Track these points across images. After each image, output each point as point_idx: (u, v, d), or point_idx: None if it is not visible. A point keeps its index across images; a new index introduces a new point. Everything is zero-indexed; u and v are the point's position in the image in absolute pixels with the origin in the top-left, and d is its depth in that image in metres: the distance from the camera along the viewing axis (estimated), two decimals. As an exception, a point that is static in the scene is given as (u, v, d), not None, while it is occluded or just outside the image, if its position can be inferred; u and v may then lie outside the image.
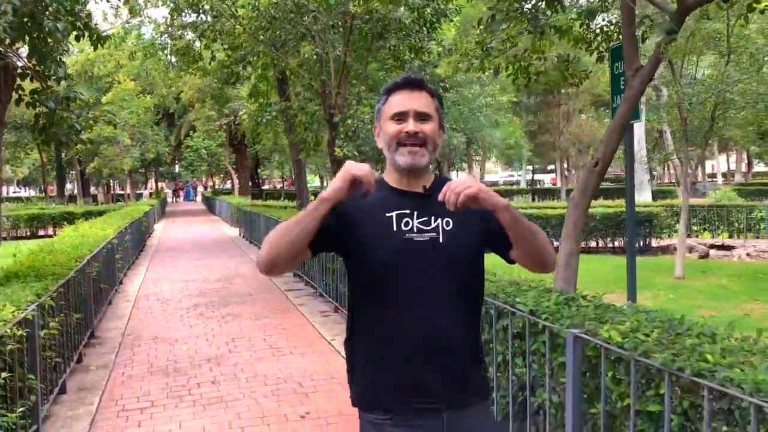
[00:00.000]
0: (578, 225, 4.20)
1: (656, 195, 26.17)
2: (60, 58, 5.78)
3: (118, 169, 29.49)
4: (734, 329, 3.19)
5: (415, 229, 2.00)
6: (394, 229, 2.00)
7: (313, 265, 9.90)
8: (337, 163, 10.35)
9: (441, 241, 2.00)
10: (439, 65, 11.26)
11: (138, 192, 46.12)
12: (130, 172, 34.04)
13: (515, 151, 32.42)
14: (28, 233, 24.73)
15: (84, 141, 6.59)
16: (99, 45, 6.94)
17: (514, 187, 53.00)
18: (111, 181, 42.27)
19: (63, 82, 6.27)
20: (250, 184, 45.06)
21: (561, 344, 3.52)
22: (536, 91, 33.21)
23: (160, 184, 62.08)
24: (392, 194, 2.06)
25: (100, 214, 20.58)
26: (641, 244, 16.50)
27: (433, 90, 2.10)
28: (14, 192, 76.36)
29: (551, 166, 55.46)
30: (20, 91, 6.22)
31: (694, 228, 18.38)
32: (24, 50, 6.02)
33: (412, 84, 2.06)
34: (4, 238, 24.02)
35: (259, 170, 53.55)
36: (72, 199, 43.22)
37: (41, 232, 24.44)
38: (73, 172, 39.49)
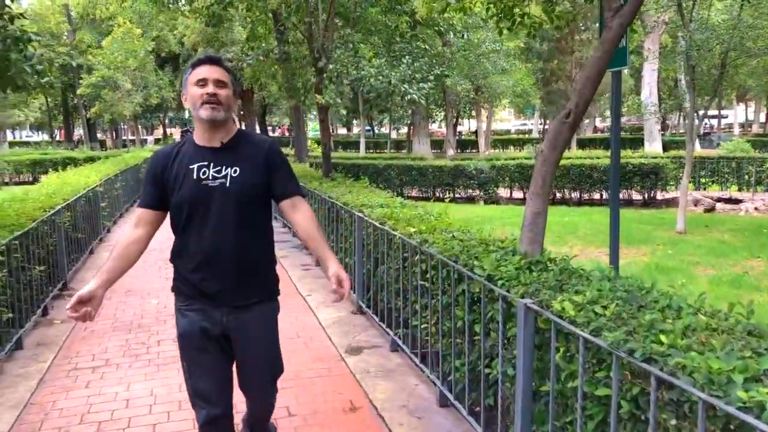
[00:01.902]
0: (547, 182, 3.83)
1: (669, 145, 25.46)
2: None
3: (120, 114, 29.04)
4: (704, 301, 2.87)
5: (210, 177, 2.66)
6: (194, 177, 2.66)
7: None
8: (324, 110, 9.94)
9: (227, 185, 2.66)
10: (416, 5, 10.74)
11: (143, 138, 45.75)
12: (135, 117, 33.59)
13: (523, 99, 31.57)
14: (31, 178, 24.60)
15: (44, 85, 6.22)
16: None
17: (526, 135, 52.21)
18: (119, 126, 41.90)
19: (17, 21, 5.87)
20: (259, 131, 44.52)
21: (515, 314, 3.21)
22: (548, 36, 32.19)
23: (169, 129, 61.57)
24: (196, 150, 2.72)
25: (107, 158, 20.28)
26: (645, 196, 16.08)
27: (227, 66, 2.75)
28: (27, 136, 76.33)
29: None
30: (-28, 31, 5.84)
31: (703, 180, 17.87)
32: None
33: (212, 60, 2.70)
34: (6, 183, 23.96)
35: (266, 117, 52.91)
36: (80, 143, 43.05)
37: (43, 177, 24.23)
38: (80, 118, 39.11)
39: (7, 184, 23.83)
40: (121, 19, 26.92)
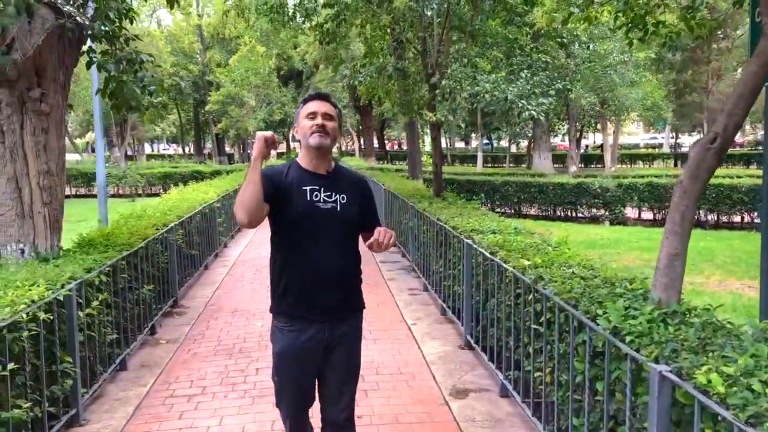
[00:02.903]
0: (687, 218, 3.25)
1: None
2: (114, 17, 5.42)
3: (244, 129, 30.10)
4: None
5: (321, 200, 2.90)
6: (308, 198, 2.89)
7: (409, 237, 9.31)
8: (436, 128, 9.57)
9: (338, 210, 2.93)
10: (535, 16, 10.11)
11: (266, 152, 47.18)
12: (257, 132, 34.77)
13: (654, 113, 29.75)
14: (161, 190, 25.92)
15: (156, 105, 6.26)
16: (175, 4, 6.62)
17: (656, 150, 49.39)
18: (246, 140, 43.56)
19: (132, 43, 5.94)
20: (377, 145, 44.86)
21: (647, 378, 2.69)
22: (682, 45, 30.25)
23: (292, 144, 63.37)
24: (305, 174, 2.94)
25: (228, 173, 21.04)
26: (795, 220, 14.48)
27: (334, 102, 3.01)
28: (164, 149, 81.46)
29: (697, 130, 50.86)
30: (91, 54, 5.96)
31: None
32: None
33: (321, 96, 2.99)
34: (139, 195, 25.38)
35: (384, 131, 53.36)
36: (209, 157, 45.20)
37: (173, 190, 25.46)
38: (210, 132, 41.09)
39: (140, 195, 25.24)
40: (247, 38, 27.95)
